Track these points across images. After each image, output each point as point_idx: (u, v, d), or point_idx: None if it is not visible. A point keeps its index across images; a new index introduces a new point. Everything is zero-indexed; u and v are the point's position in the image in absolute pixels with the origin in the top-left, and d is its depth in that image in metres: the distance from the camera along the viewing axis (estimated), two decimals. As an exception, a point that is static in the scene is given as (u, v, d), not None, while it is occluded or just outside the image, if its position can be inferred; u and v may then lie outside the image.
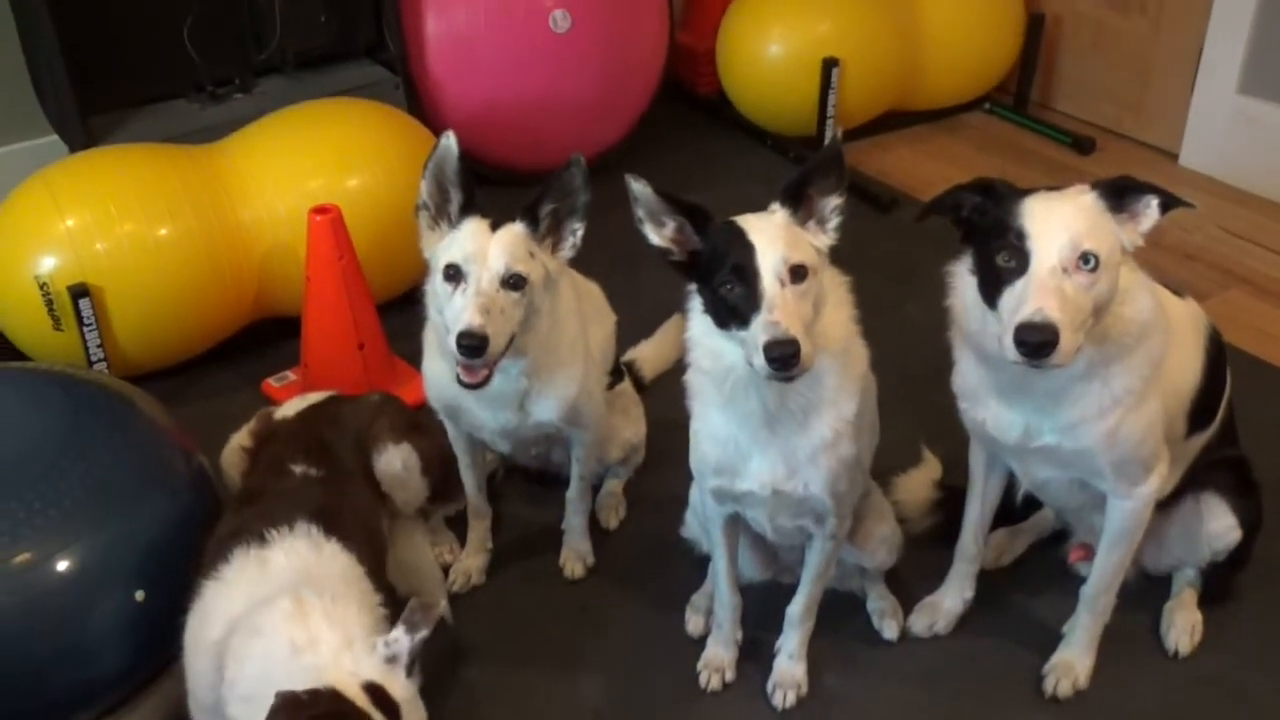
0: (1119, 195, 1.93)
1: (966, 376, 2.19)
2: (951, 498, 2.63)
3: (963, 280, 2.05)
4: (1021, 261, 1.88)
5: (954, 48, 4.51)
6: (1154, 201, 1.93)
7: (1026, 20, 4.70)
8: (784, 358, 1.80)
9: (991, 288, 1.93)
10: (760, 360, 1.82)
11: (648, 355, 3.06)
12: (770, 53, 4.27)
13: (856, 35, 4.24)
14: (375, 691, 1.75)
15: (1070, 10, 4.73)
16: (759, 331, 1.83)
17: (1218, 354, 2.31)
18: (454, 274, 2.18)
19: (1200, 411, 2.30)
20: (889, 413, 2.49)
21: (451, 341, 2.13)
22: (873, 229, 3.84)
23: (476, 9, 3.85)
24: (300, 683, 1.71)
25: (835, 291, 2.01)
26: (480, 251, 2.16)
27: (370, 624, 1.90)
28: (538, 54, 3.86)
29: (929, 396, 2.27)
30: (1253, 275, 3.78)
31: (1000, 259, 1.90)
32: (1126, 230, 1.95)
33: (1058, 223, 1.88)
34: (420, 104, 3.89)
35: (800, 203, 1.96)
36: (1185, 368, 2.22)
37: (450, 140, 2.21)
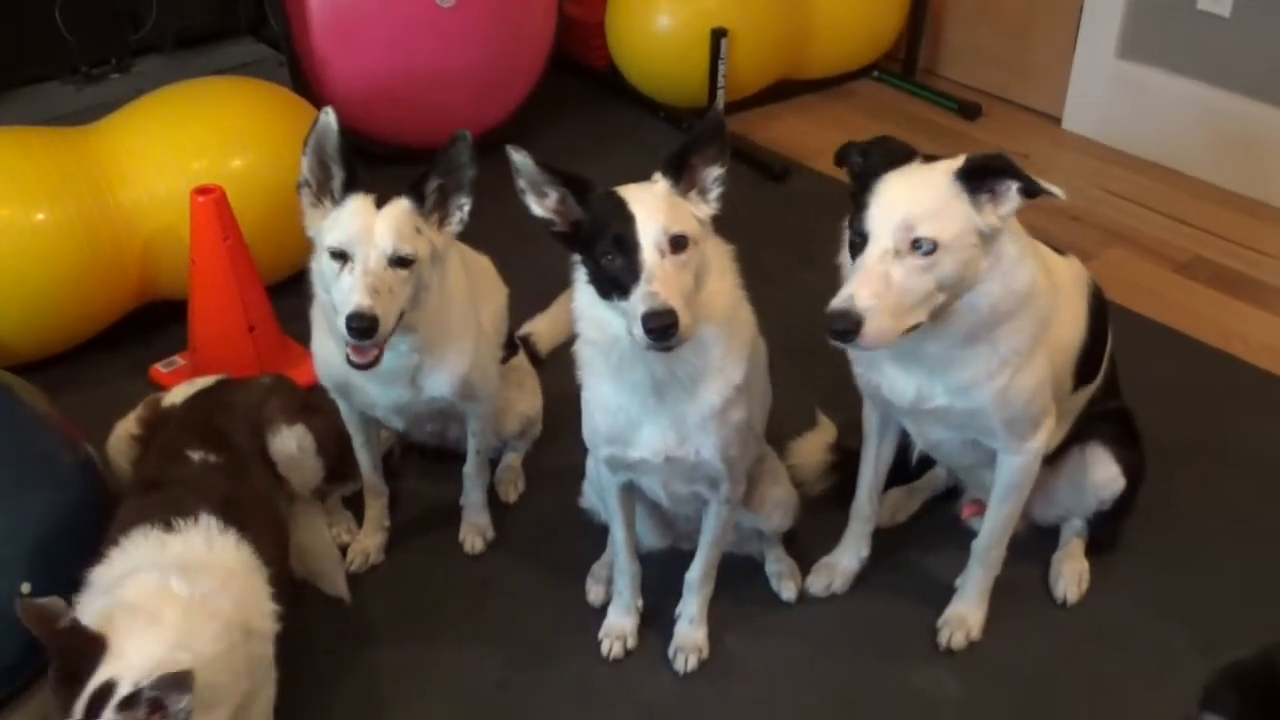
0: (979, 177, 1.94)
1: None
2: (847, 460, 2.67)
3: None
4: (864, 239, 1.93)
5: (841, 17, 4.55)
6: (1014, 186, 1.95)
7: (912, -12, 4.76)
8: (662, 328, 1.81)
9: (852, 255, 1.97)
10: (639, 330, 1.83)
11: (543, 329, 3.06)
12: (659, 24, 4.28)
13: (745, 5, 4.25)
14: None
15: (954, -23, 4.80)
16: (638, 302, 1.84)
17: (1101, 310, 2.37)
18: (340, 254, 2.15)
19: (1085, 366, 2.36)
20: (785, 379, 2.52)
21: (341, 323, 2.11)
22: (767, 198, 3.87)
23: (360, -16, 3.79)
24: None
25: (719, 260, 2.03)
26: (366, 230, 2.14)
27: (240, 622, 1.88)
28: (424, 28, 3.82)
29: (826, 362, 2.30)
30: (1133, 234, 3.88)
31: (853, 231, 1.94)
32: (985, 212, 1.95)
33: (896, 205, 1.91)
34: (305, 81, 3.83)
35: (682, 173, 1.97)
36: (1071, 325, 2.28)
37: (330, 116, 2.18)
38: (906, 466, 2.67)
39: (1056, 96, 4.52)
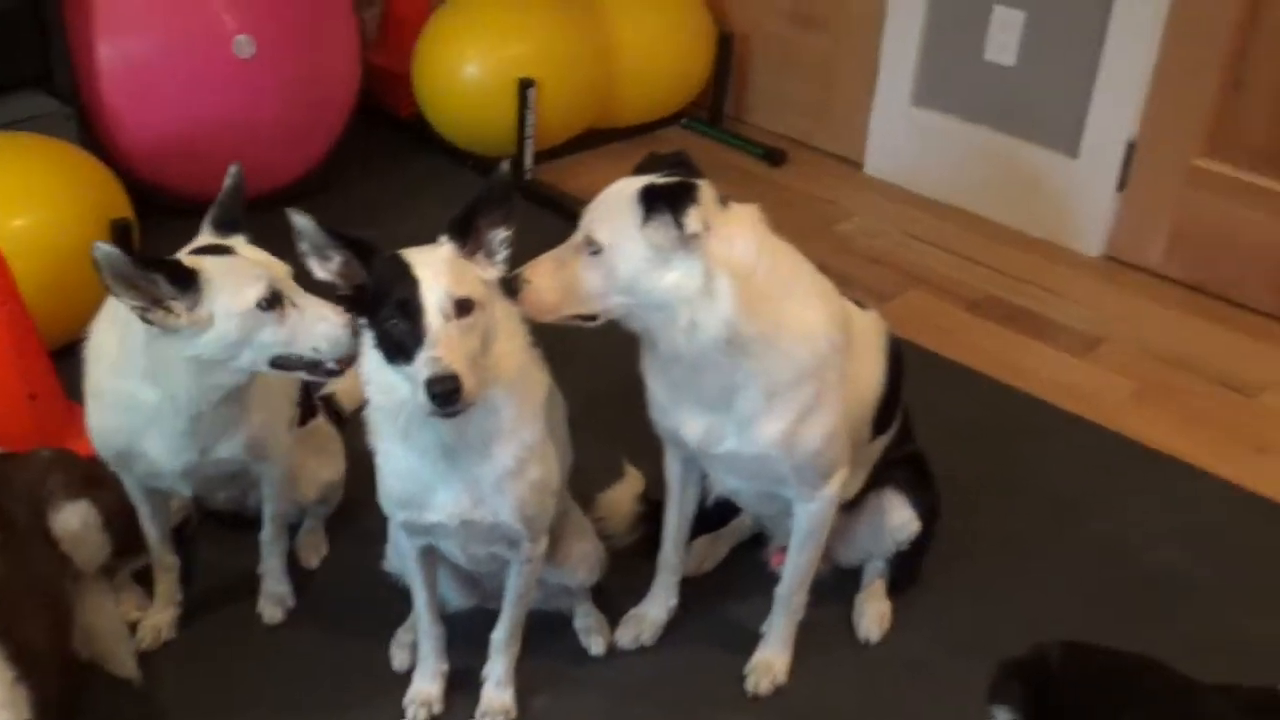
0: (652, 200, 2.03)
1: (650, 384, 2.24)
2: (655, 511, 2.68)
3: None
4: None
5: (648, 66, 4.61)
6: (678, 216, 1.98)
7: (717, 37, 4.84)
8: (445, 393, 1.80)
9: None
10: (422, 396, 1.81)
11: (346, 387, 2.99)
12: (466, 74, 4.26)
13: (551, 56, 4.27)
14: None
15: (758, 28, 4.90)
16: (421, 367, 1.83)
17: (898, 361, 2.44)
18: (274, 299, 2.12)
19: (883, 416, 2.42)
20: (590, 431, 2.52)
21: (330, 364, 2.15)
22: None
23: (153, 34, 3.69)
24: None
25: (508, 323, 2.03)
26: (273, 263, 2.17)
27: None
28: (221, 80, 3.73)
29: (632, 412, 2.31)
30: (931, 275, 4.01)
31: None
32: (658, 232, 1.99)
33: (436, 274, 1.94)
34: (96, 135, 3.69)
35: (468, 235, 1.96)
36: (869, 378, 2.34)
37: (102, 250, 2.04)
38: (713, 514, 2.70)
39: (858, 142, 4.65)
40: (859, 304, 2.41)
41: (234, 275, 2.12)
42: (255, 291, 2.10)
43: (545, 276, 1.99)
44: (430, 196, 4.23)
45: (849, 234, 4.22)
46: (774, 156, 4.68)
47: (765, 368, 2.08)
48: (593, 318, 2.05)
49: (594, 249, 1.99)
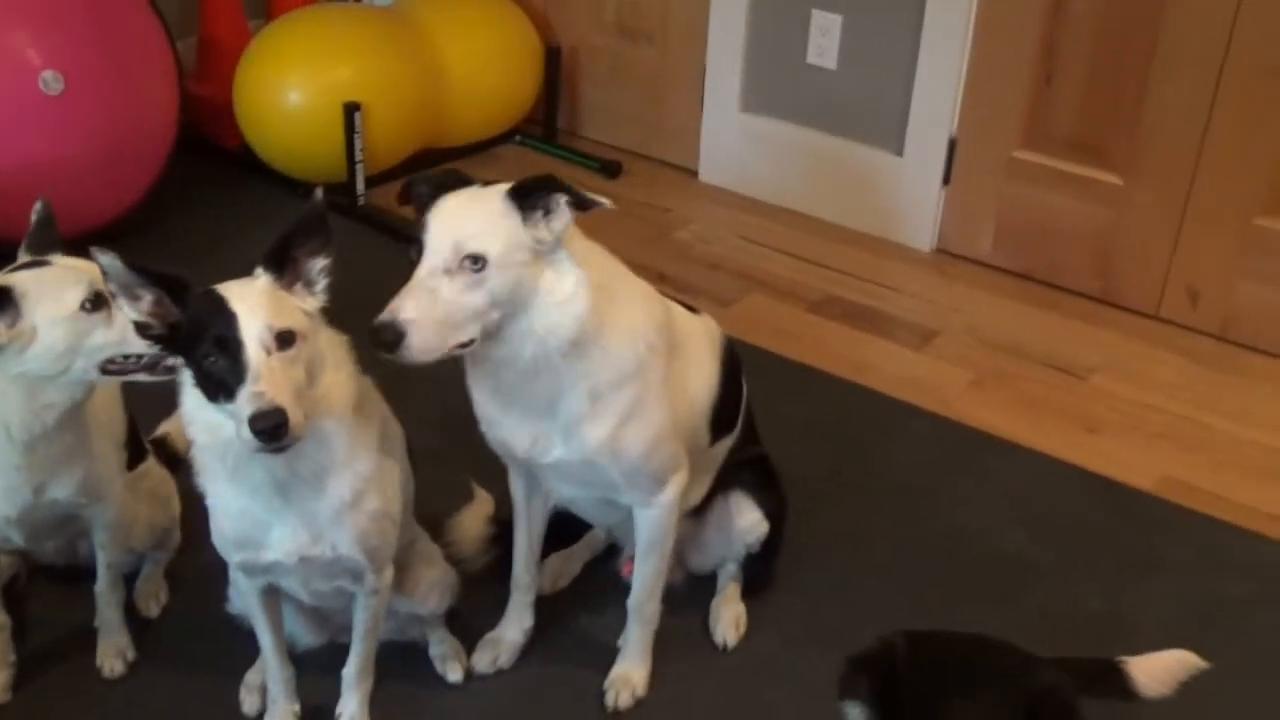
0: (528, 195, 2.00)
1: (474, 394, 2.22)
2: (506, 532, 2.65)
3: None
4: (419, 257, 1.98)
5: (477, 84, 4.58)
6: (563, 200, 2.01)
7: (545, 52, 4.85)
8: (270, 429, 1.77)
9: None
10: (246, 433, 1.77)
11: (178, 428, 2.89)
12: (289, 101, 4.18)
13: (377, 78, 4.22)
14: None
15: (585, 42, 4.92)
16: (244, 404, 1.79)
17: (733, 364, 2.46)
18: (98, 300, 2.08)
19: (722, 419, 2.44)
20: (435, 455, 2.50)
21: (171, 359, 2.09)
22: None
23: (-47, 73, 3.53)
24: None
25: (334, 352, 2.00)
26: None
27: None
28: (29, 118, 3.59)
29: (477, 433, 2.29)
30: (770, 278, 4.07)
31: (414, 253, 2.00)
32: (539, 228, 2.00)
33: (448, 224, 1.96)
34: (-103, 180, 3.52)
35: (285, 266, 1.93)
36: (700, 381, 2.34)
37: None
38: (565, 531, 2.69)
39: (691, 151, 4.70)
40: (690, 308, 2.42)
41: (51, 283, 2.09)
42: (77, 294, 2.08)
43: (424, 313, 1.92)
44: (262, 228, 4.07)
45: (687, 241, 4.25)
46: (610, 169, 4.70)
47: (590, 369, 2.09)
48: (470, 343, 2.00)
49: (477, 266, 1.94)
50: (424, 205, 2.03)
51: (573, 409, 2.13)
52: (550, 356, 2.06)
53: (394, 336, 1.89)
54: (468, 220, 1.94)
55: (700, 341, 2.37)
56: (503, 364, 2.07)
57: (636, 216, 4.34)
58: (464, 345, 1.96)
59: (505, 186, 2.02)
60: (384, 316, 1.92)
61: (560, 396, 2.12)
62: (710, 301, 3.77)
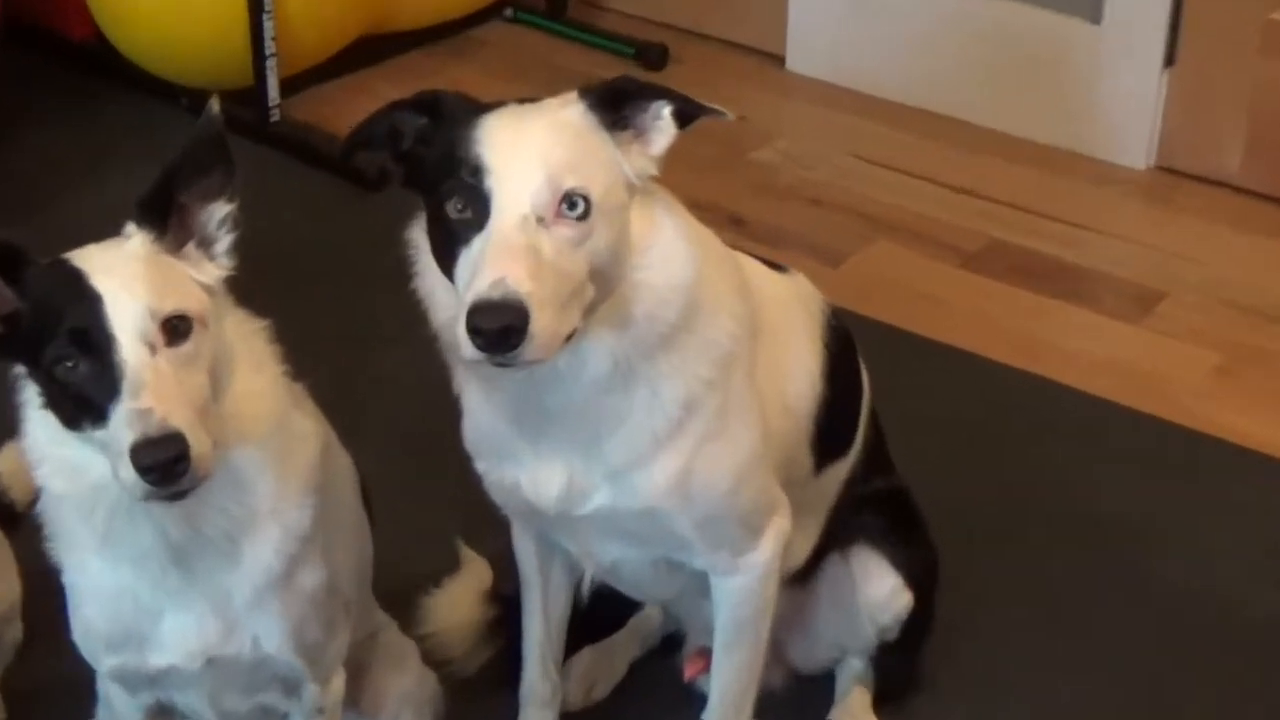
0: (616, 105, 2.04)
1: (475, 416, 2.24)
2: (513, 616, 2.67)
3: (424, 248, 2.12)
4: (480, 209, 1.96)
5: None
6: (665, 109, 2.05)
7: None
8: (163, 464, 1.77)
9: (446, 251, 2.01)
10: (129, 473, 1.78)
11: (11, 469, 2.95)
12: (166, -32, 4.23)
13: (293, -74, 4.26)
14: None
15: None
16: (122, 428, 1.78)
17: (845, 350, 2.46)
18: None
19: (831, 431, 2.44)
20: (404, 496, 2.59)
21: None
22: (359, 218, 3.87)
23: None
24: None
25: (249, 346, 2.02)
26: None
27: None
28: None
29: (464, 464, 2.33)
30: (900, 218, 4.08)
31: (452, 208, 1.98)
32: (633, 154, 2.05)
33: (529, 150, 1.97)
34: None
35: (170, 218, 1.94)
36: (798, 371, 2.35)
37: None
38: (601, 612, 2.70)
39: (773, 26, 4.72)
40: (776, 266, 2.44)
41: None
42: None
43: (542, 285, 1.92)
44: (126, 157, 4.16)
45: (771, 164, 4.29)
46: (650, 56, 4.72)
47: (674, 369, 2.12)
48: (572, 335, 2.00)
49: (577, 211, 1.96)
50: (447, 127, 2.04)
51: (636, 435, 2.15)
52: (633, 356, 2.10)
53: (514, 318, 1.87)
54: (553, 142, 1.98)
55: (794, 317, 2.38)
56: (553, 372, 2.08)
57: (693, 129, 4.34)
58: (569, 338, 1.99)
59: (571, 99, 2.07)
60: (487, 291, 1.88)
61: (623, 417, 2.14)
62: (809, 255, 3.78)
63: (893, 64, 4.55)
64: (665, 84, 2.11)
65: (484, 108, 2.06)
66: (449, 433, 2.31)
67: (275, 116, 4.35)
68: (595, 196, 1.97)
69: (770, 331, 2.29)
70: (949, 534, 2.76)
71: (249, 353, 2.01)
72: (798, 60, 4.72)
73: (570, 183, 1.95)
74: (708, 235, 2.22)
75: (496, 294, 1.87)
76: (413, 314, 2.52)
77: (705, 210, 2.29)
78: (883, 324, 3.56)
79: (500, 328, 1.85)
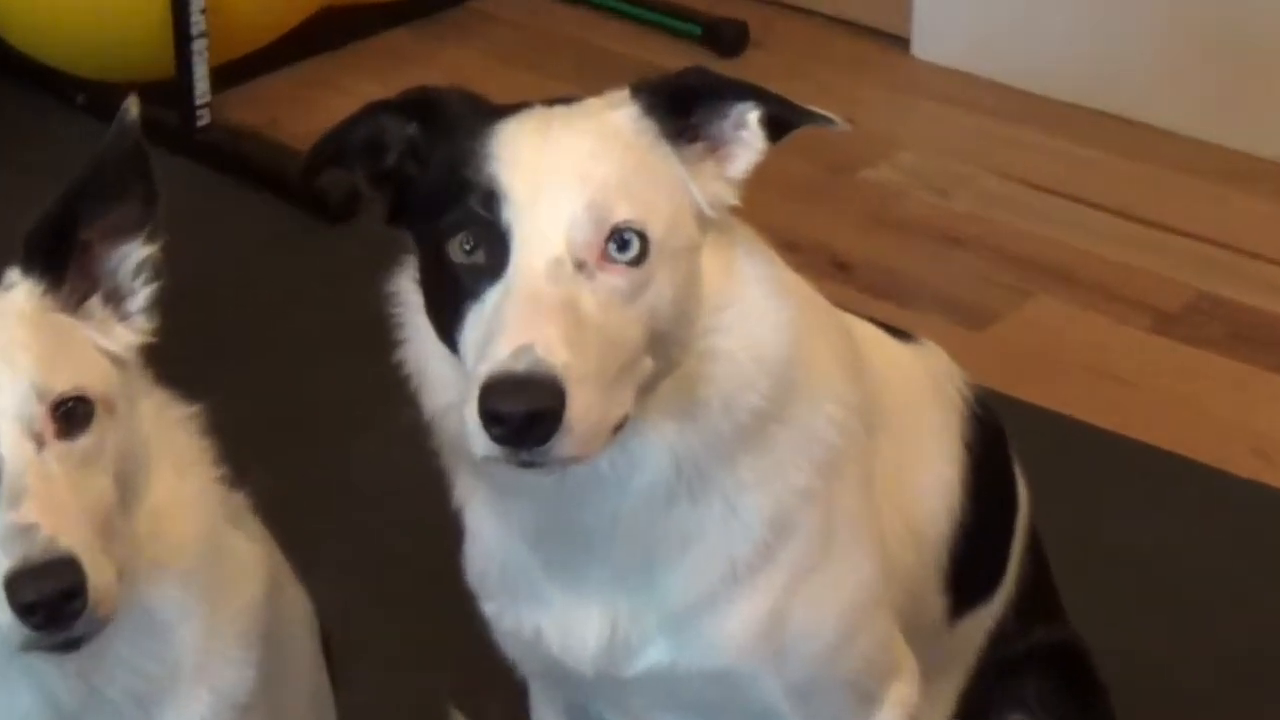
0: (684, 108, 2.04)
1: (484, 539, 2.24)
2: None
3: (415, 305, 2.11)
4: (496, 251, 1.96)
5: None
6: (752, 114, 2.05)
7: None
8: (51, 601, 1.79)
9: (447, 309, 2.00)
10: (3, 613, 1.80)
11: None
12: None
13: None
14: None
15: None
16: None
17: (992, 449, 2.48)
18: None
19: (972, 565, 2.46)
20: (377, 654, 2.61)
21: None
22: (317, 266, 3.94)
23: None
24: None
25: (172, 438, 2.05)
26: None
27: None
28: None
29: (467, 608, 2.34)
30: (1067, 259, 4.11)
31: (457, 248, 1.97)
32: (706, 175, 2.05)
33: (561, 170, 1.97)
34: None
35: (68, 261, 1.97)
36: (926, 483, 2.37)
37: None
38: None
39: (895, 3, 4.79)
40: (898, 333, 2.47)
41: None
42: None
43: (580, 354, 1.90)
44: (5, 175, 4.24)
45: (891, 187, 4.34)
46: (723, 36, 4.79)
47: (758, 474, 2.11)
48: (624, 424, 1.97)
49: (630, 252, 1.97)
50: (422, 156, 2.05)
51: (707, 566, 2.15)
52: (704, 456, 2.09)
53: (545, 400, 1.86)
54: (597, 158, 1.99)
55: (924, 404, 2.41)
56: (594, 479, 2.07)
57: (788, 142, 4.33)
58: (618, 429, 1.98)
59: (621, 98, 2.07)
60: (513, 362, 1.85)
61: (689, 541, 2.15)
62: (943, 316, 3.83)
63: (1060, 50, 4.59)
64: (747, 78, 2.11)
65: (499, 111, 2.05)
66: (444, 560, 2.32)
67: (204, 119, 4.40)
68: (655, 233, 1.96)
69: (892, 425, 2.30)
70: (1143, 705, 2.79)
71: (172, 449, 2.03)
72: (927, 44, 4.77)
73: (621, 214, 1.94)
74: (806, 289, 2.22)
75: (521, 366, 1.85)
76: (395, 395, 2.55)
77: (799, 252, 2.30)
78: (1046, 412, 3.59)
79: (526, 413, 1.83)
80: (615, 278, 1.94)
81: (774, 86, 2.06)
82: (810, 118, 2.05)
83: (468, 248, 1.95)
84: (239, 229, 3.33)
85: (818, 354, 2.17)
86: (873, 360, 2.33)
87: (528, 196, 1.94)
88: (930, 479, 2.38)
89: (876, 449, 2.27)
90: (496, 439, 1.84)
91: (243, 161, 4.30)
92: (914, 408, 2.39)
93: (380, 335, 2.11)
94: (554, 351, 1.84)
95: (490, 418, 1.83)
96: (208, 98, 4.38)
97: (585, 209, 1.93)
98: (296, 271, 3.87)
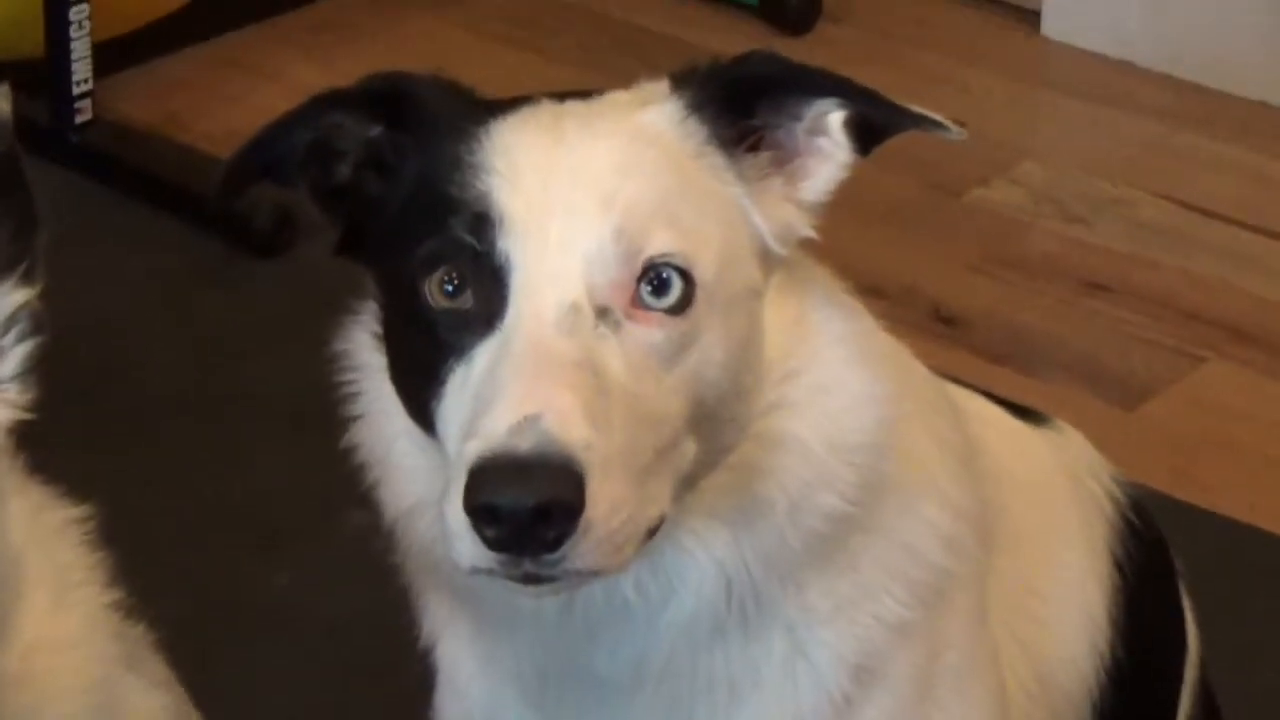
0: (742, 105, 2.05)
1: (462, 685, 2.25)
2: None
3: (375, 369, 2.10)
4: (490, 291, 1.97)
5: None
6: (835, 115, 2.05)
7: None
8: None
9: (421, 371, 2.00)
10: None
11: None
12: None
13: None
14: None
15: None
16: None
17: (1151, 570, 2.50)
18: None
19: (1123, 719, 2.48)
20: None
21: None
22: (238, 313, 3.96)
23: None
24: None
25: (49, 552, 2.03)
26: None
27: None
28: None
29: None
30: (1248, 313, 4.12)
31: (435, 289, 1.97)
32: (772, 197, 2.07)
33: (578, 186, 1.98)
34: None
35: None
36: (1063, 615, 2.38)
37: None
38: None
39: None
40: (1025, 413, 2.50)
41: None
42: None
43: (605, 429, 1.89)
44: None
45: (1012, 211, 4.37)
46: (787, 7, 4.84)
47: (846, 598, 2.11)
48: (660, 525, 1.94)
49: (669, 299, 1.99)
50: (387, 166, 2.05)
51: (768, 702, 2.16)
52: (763, 575, 2.06)
53: (563, 494, 1.84)
54: (626, 170, 2.01)
55: (1060, 510, 2.43)
56: (614, 604, 2.07)
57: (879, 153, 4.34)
58: (651, 534, 1.96)
59: (664, 87, 2.07)
60: (513, 438, 1.82)
61: (741, 692, 2.13)
62: (1085, 389, 3.85)
63: (1243, 34, 4.62)
64: (820, 64, 2.08)
65: (493, 107, 2.06)
66: (408, 710, 2.35)
67: (85, 114, 4.44)
68: (702, 272, 1.96)
69: (1016, 537, 2.33)
70: None
71: (50, 567, 2.05)
72: (1063, 20, 4.81)
73: (658, 245, 1.94)
74: (900, 352, 2.24)
75: (525, 445, 1.82)
76: (343, 491, 2.61)
77: (889, 299, 2.31)
78: (1225, 520, 3.61)
79: (533, 507, 1.80)
80: (649, 330, 1.94)
81: (856, 76, 2.03)
82: (913, 121, 2.03)
83: (451, 288, 1.94)
84: (134, 263, 3.39)
85: (917, 441, 2.17)
86: (989, 448, 2.34)
87: (533, 220, 1.94)
88: (1068, 610, 2.39)
89: (995, 570, 2.26)
90: (491, 544, 1.80)
91: (137, 171, 4.32)
92: (1045, 513, 2.40)
93: (324, 410, 2.09)
94: (569, 426, 1.83)
95: (483, 514, 1.79)
96: (89, 85, 4.42)
97: (611, 238, 1.92)
98: (212, 320, 3.90)
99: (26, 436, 2.04)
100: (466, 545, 1.80)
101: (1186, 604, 2.58)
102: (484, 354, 1.88)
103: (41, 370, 2.05)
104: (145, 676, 2.22)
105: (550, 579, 1.84)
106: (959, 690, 2.22)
